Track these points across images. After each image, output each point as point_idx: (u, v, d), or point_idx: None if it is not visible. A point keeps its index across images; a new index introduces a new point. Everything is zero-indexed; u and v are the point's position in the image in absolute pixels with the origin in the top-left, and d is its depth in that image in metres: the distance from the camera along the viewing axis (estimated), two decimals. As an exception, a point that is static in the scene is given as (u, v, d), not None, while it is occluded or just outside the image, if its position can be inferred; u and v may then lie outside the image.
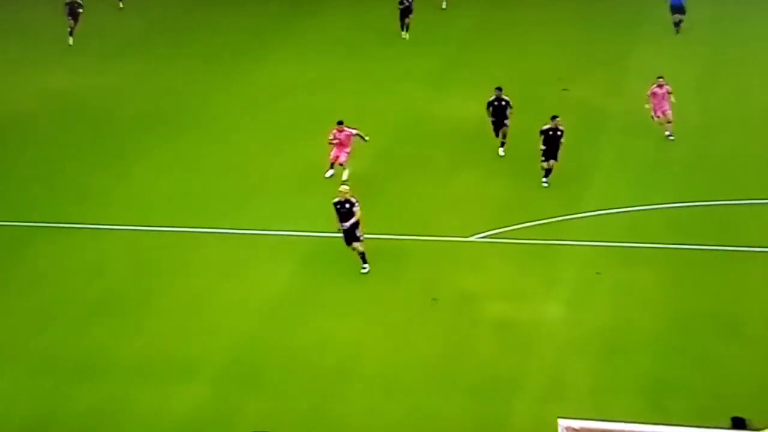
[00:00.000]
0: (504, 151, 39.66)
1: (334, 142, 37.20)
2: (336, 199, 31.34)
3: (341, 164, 37.25)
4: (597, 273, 31.29)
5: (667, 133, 40.68)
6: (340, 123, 37.43)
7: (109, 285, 31.69)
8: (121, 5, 61.69)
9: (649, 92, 40.57)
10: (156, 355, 27.69)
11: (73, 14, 54.31)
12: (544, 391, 25.84)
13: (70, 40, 54.25)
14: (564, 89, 46.60)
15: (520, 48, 53.49)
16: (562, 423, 20.08)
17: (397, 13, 55.36)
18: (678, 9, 54.19)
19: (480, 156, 39.97)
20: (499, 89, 39.70)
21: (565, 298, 30.03)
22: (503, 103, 39.46)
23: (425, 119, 44.24)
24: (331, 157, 37.45)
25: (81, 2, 54.65)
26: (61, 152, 41.90)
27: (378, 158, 39.48)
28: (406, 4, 55.20)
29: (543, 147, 36.69)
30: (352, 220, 31.12)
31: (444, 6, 60.90)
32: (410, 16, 55.41)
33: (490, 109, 39.70)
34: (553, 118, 36.86)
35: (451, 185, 37.78)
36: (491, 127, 39.74)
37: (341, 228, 31.39)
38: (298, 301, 30.49)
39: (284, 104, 46.51)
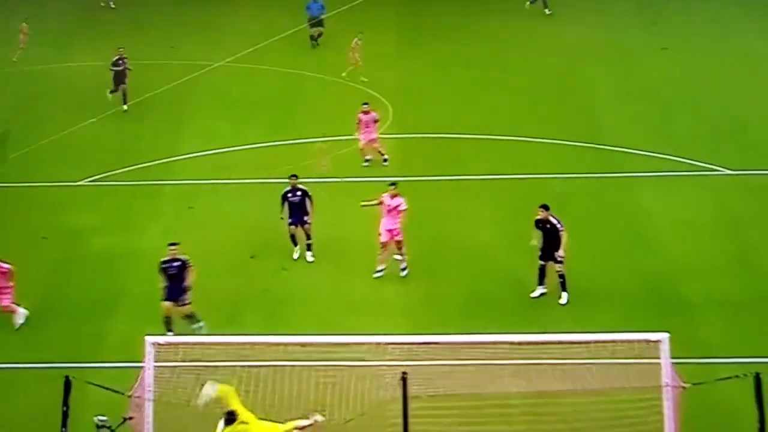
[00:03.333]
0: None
1: None
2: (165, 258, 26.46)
3: None
4: (190, 207, 33.25)
5: None
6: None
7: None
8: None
9: None
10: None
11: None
12: (138, 311, 27.23)
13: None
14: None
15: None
16: (149, 339, 21.41)
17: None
18: (317, 22, 48.33)
19: (92, 105, 40.36)
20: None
21: (161, 230, 31.42)
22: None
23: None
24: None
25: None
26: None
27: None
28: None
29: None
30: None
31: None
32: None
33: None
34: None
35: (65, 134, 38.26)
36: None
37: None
38: None
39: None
